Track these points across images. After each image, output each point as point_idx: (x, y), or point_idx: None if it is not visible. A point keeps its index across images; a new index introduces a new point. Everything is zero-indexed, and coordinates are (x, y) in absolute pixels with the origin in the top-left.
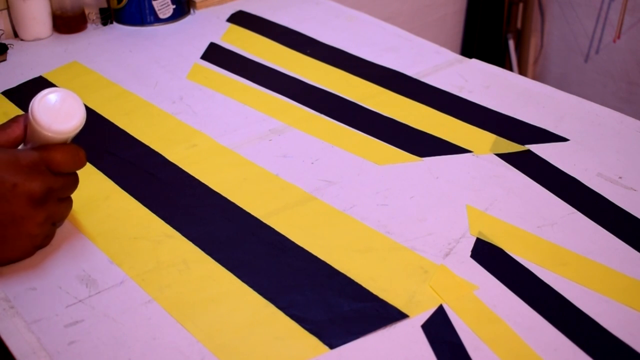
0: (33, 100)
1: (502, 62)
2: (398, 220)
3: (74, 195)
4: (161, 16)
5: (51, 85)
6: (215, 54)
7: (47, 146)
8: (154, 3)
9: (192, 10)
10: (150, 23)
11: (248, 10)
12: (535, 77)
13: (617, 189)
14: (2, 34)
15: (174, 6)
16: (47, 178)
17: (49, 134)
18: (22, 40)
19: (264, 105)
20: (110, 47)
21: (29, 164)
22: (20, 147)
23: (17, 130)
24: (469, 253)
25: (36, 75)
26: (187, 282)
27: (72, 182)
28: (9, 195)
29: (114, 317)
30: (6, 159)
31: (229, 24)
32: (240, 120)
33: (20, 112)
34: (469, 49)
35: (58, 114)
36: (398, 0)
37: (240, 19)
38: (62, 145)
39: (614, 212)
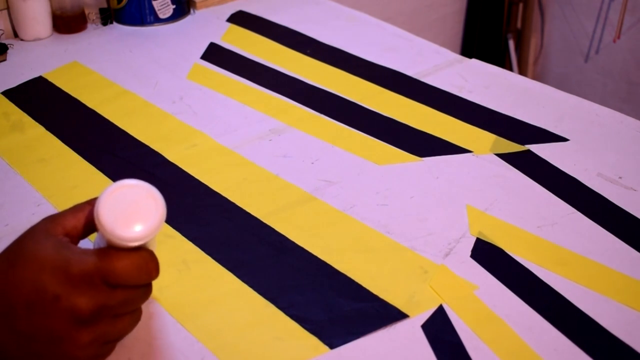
0: (103, 191)
1: (502, 62)
2: (398, 220)
3: (74, 195)
4: (161, 16)
5: (51, 85)
6: (215, 54)
7: (109, 252)
8: (154, 3)
9: (192, 10)
10: (150, 23)
11: (248, 10)
12: (535, 77)
13: (617, 189)
14: (2, 34)
15: (174, 6)
16: (100, 294)
17: (112, 239)
18: (22, 40)
19: (264, 105)
20: (110, 47)
21: (79, 273)
22: (96, 237)
23: (89, 217)
24: (469, 253)
25: (36, 75)
26: (187, 282)
27: (139, 295)
28: (49, 308)
29: None
30: (55, 262)
31: (229, 24)
32: (240, 120)
33: (20, 112)
34: (469, 49)
35: (127, 215)
36: (398, 0)
37: (240, 19)
38: (128, 252)
39: (614, 212)
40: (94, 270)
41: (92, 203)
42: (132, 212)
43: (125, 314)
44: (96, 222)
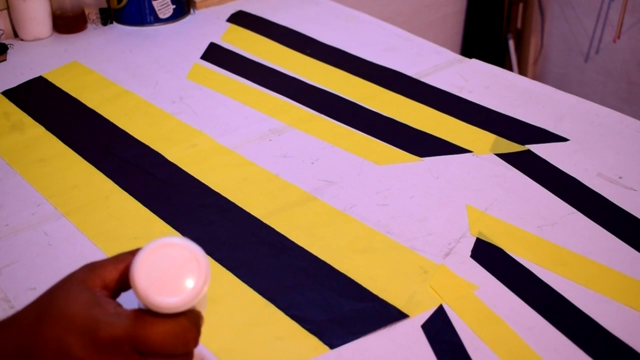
0: (143, 248)
1: (502, 62)
2: (398, 220)
3: (74, 195)
4: (161, 16)
5: (51, 85)
6: (215, 54)
7: (144, 317)
8: (154, 3)
9: (192, 10)
10: (150, 23)
11: (248, 10)
12: (535, 77)
13: (617, 189)
14: (2, 34)
15: (174, 6)
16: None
17: (146, 305)
18: (22, 40)
19: (264, 105)
20: (110, 47)
21: (108, 339)
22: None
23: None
24: (469, 253)
25: (36, 75)
26: None
27: None
28: None
29: None
30: (84, 322)
31: (229, 24)
32: (240, 120)
33: (20, 112)
34: (469, 49)
35: (164, 279)
36: (398, 0)
37: (240, 19)
38: (164, 319)
39: (614, 212)
40: (124, 336)
41: (135, 254)
42: (171, 276)
43: None
44: (130, 283)
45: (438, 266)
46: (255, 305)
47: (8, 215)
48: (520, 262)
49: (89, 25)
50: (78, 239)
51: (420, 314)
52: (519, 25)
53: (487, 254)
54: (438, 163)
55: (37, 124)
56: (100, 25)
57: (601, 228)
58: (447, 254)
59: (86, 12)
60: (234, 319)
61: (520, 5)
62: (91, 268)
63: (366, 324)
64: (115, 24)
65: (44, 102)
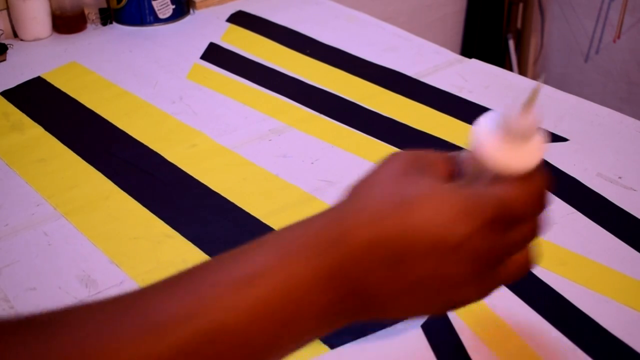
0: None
1: (502, 62)
2: None
3: (73, 196)
4: (161, 16)
5: (50, 85)
6: (215, 54)
7: (504, 183)
8: (153, 3)
9: (192, 10)
10: (150, 23)
11: (248, 10)
12: (535, 77)
13: (617, 189)
14: (2, 34)
15: (174, 6)
16: (503, 234)
17: (501, 169)
18: (22, 40)
19: (264, 105)
20: (110, 47)
21: (490, 217)
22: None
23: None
24: None
25: (35, 75)
26: None
27: (531, 231)
28: (452, 253)
29: None
30: (464, 202)
31: (229, 24)
32: (240, 120)
33: (19, 112)
34: (469, 49)
35: (518, 143)
36: (398, 0)
37: (240, 19)
38: (523, 179)
39: (614, 212)
40: (497, 207)
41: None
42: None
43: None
44: (474, 156)
45: None
46: None
47: (8, 215)
48: None
49: (89, 25)
50: (78, 239)
51: None
52: (519, 25)
53: None
54: None
55: (36, 124)
56: (100, 25)
57: (601, 228)
58: None
59: (86, 12)
60: None
61: (520, 5)
62: (420, 161)
63: (366, 324)
64: (115, 24)
65: (44, 103)
